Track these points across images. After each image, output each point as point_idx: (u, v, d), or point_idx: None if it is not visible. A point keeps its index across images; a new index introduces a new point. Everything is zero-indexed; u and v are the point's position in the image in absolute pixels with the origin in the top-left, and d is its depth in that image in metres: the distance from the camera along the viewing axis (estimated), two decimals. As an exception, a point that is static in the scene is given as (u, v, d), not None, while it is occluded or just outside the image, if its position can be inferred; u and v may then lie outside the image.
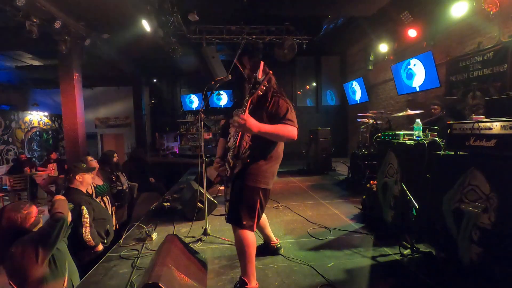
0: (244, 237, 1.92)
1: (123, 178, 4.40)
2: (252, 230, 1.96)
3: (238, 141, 1.94)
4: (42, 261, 1.95)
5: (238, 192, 1.98)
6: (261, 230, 2.52)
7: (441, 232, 2.30)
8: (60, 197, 2.28)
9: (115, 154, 4.48)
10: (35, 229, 2.08)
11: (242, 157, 1.95)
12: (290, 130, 1.86)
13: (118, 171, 4.38)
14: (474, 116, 2.23)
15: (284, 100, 1.95)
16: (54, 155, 7.92)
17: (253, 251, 1.95)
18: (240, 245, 1.94)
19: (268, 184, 2.01)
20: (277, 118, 1.89)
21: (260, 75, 1.76)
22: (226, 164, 2.08)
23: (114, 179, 4.15)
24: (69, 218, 2.22)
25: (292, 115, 1.91)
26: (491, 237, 1.90)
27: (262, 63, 1.82)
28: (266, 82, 1.75)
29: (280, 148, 2.08)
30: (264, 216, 2.48)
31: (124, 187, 4.32)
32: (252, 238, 1.95)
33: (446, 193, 2.27)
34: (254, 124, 1.74)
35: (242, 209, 1.93)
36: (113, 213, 3.62)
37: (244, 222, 1.92)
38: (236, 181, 2.00)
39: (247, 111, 1.78)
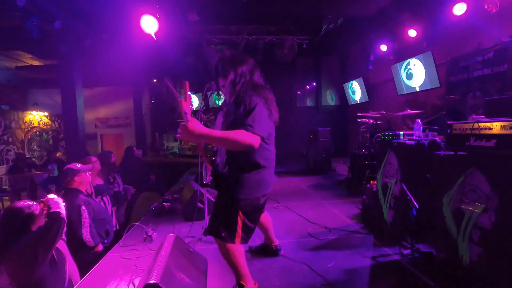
0: (226, 248, 1.85)
1: (119, 180, 4.40)
2: (233, 242, 1.83)
3: (218, 157, 1.85)
4: (43, 260, 1.95)
5: (218, 203, 1.92)
6: (264, 231, 2.51)
7: (441, 232, 2.30)
8: (53, 195, 2.28)
9: (112, 155, 4.48)
10: (36, 229, 2.08)
11: (222, 172, 1.87)
12: (244, 138, 1.59)
13: (115, 172, 4.39)
14: (474, 116, 2.23)
15: (251, 99, 1.71)
16: (54, 155, 7.93)
17: (239, 258, 1.88)
18: (225, 256, 1.90)
19: (251, 193, 1.82)
20: (240, 119, 1.68)
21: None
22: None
23: (111, 180, 4.15)
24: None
25: (253, 118, 1.63)
26: (491, 237, 1.90)
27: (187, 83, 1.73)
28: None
29: (265, 153, 1.83)
30: (268, 218, 2.47)
31: (121, 189, 4.32)
32: (235, 248, 1.87)
33: (446, 193, 2.27)
34: (197, 128, 1.54)
35: (221, 221, 1.86)
36: (113, 213, 3.62)
37: (223, 234, 1.82)
38: (218, 192, 1.93)
39: (189, 116, 1.56)
